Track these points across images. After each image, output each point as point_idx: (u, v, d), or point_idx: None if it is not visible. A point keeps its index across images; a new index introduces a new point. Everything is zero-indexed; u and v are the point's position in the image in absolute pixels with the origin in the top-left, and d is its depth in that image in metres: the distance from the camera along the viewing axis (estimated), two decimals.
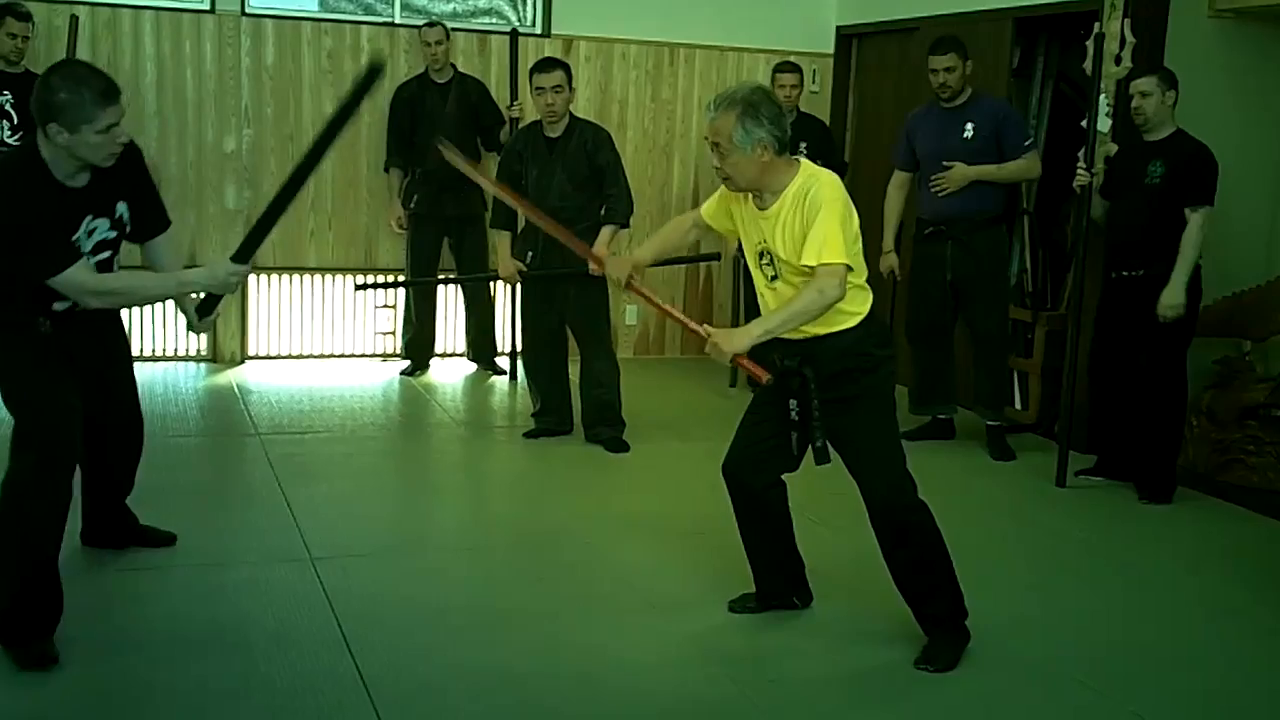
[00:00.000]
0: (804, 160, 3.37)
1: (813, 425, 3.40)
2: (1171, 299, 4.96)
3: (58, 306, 3.37)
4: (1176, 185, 4.98)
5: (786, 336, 3.36)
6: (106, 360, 3.72)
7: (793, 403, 3.43)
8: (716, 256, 6.21)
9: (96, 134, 3.18)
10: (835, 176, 3.36)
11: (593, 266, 3.84)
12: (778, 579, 3.80)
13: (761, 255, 3.41)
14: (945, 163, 5.64)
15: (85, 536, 4.01)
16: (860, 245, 3.33)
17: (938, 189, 5.65)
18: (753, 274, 3.51)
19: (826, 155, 6.79)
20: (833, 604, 3.91)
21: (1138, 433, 5.25)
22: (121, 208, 3.45)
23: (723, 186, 3.47)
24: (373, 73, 3.36)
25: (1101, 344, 5.33)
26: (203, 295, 3.59)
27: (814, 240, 3.21)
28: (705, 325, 3.43)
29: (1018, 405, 6.35)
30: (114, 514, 4.06)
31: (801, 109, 6.84)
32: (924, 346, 5.95)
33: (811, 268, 3.23)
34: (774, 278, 3.40)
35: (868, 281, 3.42)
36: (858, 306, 3.38)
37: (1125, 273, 5.16)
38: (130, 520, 4.11)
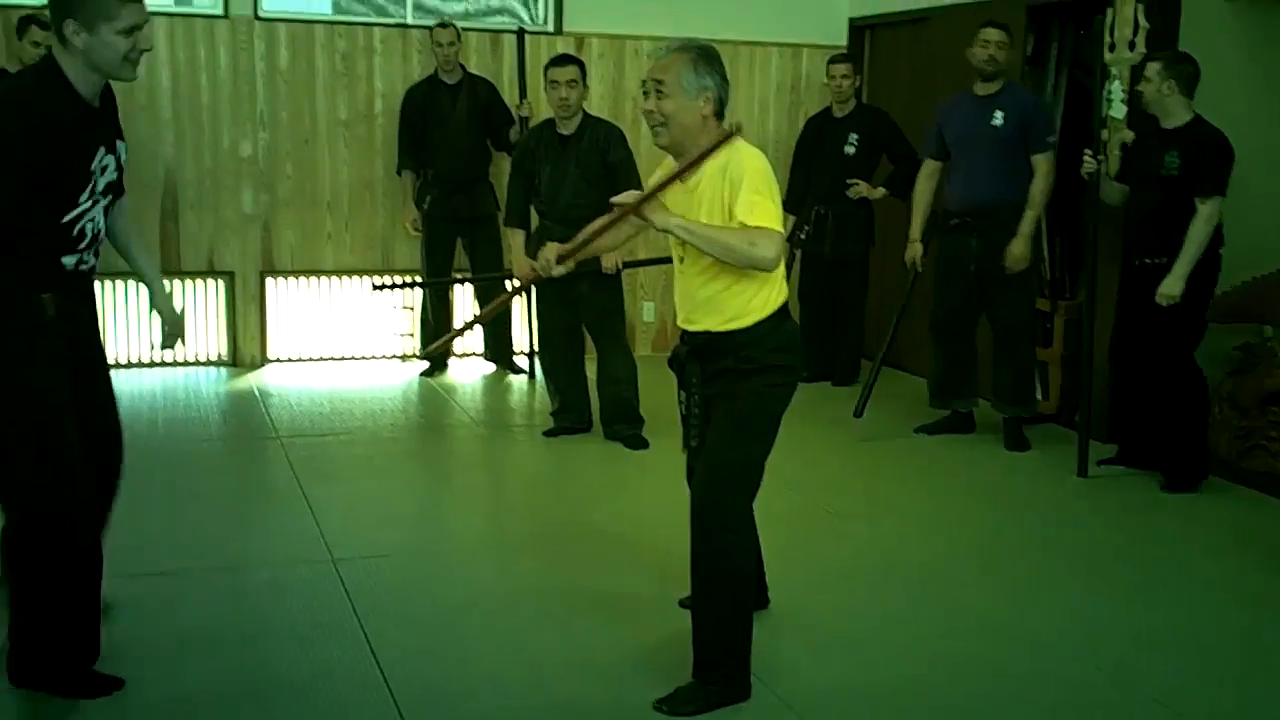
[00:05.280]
0: (738, 137, 3.14)
1: (691, 423, 3.29)
2: (1168, 288, 4.94)
3: (67, 261, 2.99)
4: (1191, 175, 4.96)
5: (685, 328, 3.24)
6: (89, 363, 3.21)
7: (681, 395, 3.34)
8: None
9: (116, 34, 2.88)
10: (760, 154, 3.15)
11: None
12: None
13: None
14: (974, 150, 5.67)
15: None
16: (783, 233, 3.11)
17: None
18: (672, 247, 3.28)
19: (891, 147, 6.82)
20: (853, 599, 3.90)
21: (1159, 422, 5.22)
22: (121, 148, 3.11)
23: (658, 169, 3.31)
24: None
25: (1122, 332, 5.31)
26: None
27: (746, 201, 3.02)
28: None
29: (1039, 396, 6.31)
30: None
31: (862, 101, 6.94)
32: (946, 339, 5.92)
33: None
34: (684, 257, 3.21)
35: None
36: (760, 305, 3.16)
37: (1147, 260, 5.13)
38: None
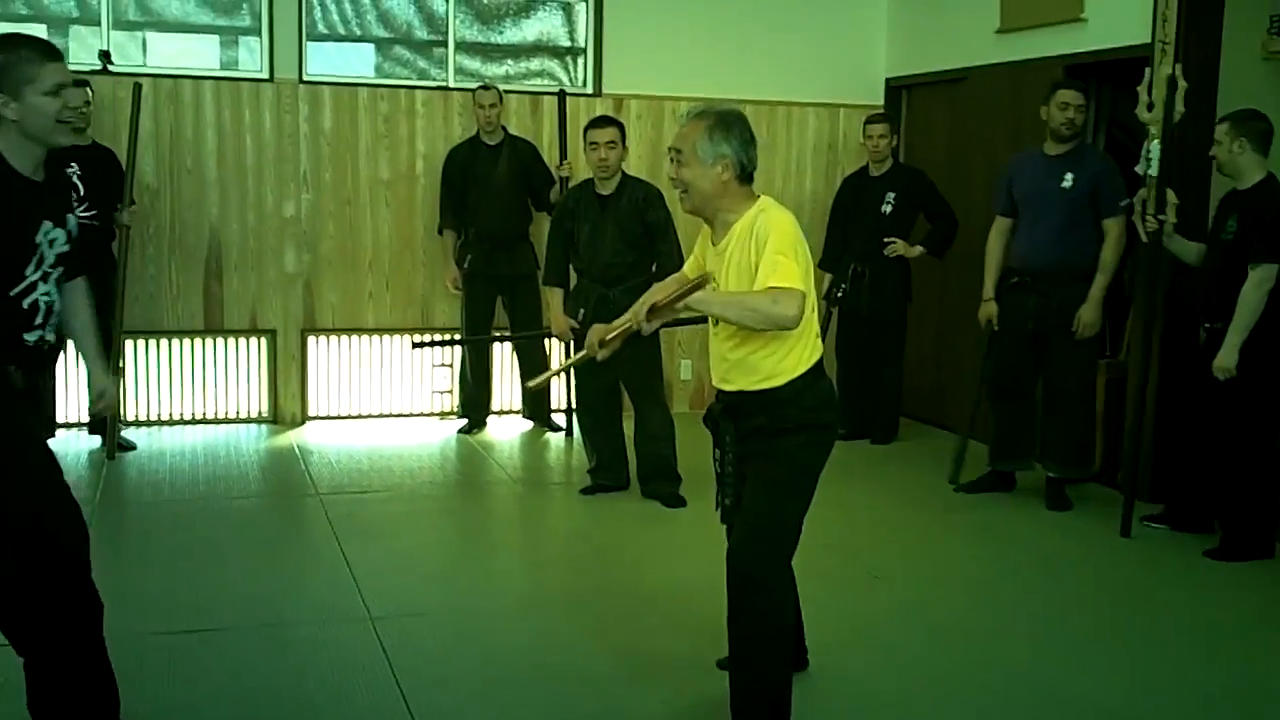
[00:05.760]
0: (765, 197, 3.20)
1: (724, 481, 3.28)
2: (1222, 360, 4.83)
3: (29, 338, 2.96)
4: (1246, 239, 4.88)
5: (719, 387, 3.27)
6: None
7: (716, 453, 3.33)
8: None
9: (43, 95, 2.85)
10: (789, 214, 3.15)
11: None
12: None
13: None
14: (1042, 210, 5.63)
15: None
16: (813, 296, 3.12)
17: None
18: None
19: (928, 206, 6.84)
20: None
21: (1222, 490, 5.09)
22: (71, 222, 3.08)
23: (698, 241, 3.37)
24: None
25: (1174, 395, 5.23)
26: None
27: (768, 263, 3.02)
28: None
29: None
30: None
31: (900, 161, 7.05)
32: (1002, 399, 5.87)
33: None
34: (718, 320, 3.24)
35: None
36: (792, 364, 3.16)
37: (1206, 325, 5.08)
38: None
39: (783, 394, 3.16)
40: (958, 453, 6.04)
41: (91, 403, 3.33)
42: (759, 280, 3.04)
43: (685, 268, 3.50)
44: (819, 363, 3.23)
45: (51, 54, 2.92)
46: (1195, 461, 5.21)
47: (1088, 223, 5.58)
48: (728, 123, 3.14)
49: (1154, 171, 5.45)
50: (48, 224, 2.97)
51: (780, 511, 3.18)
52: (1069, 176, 5.57)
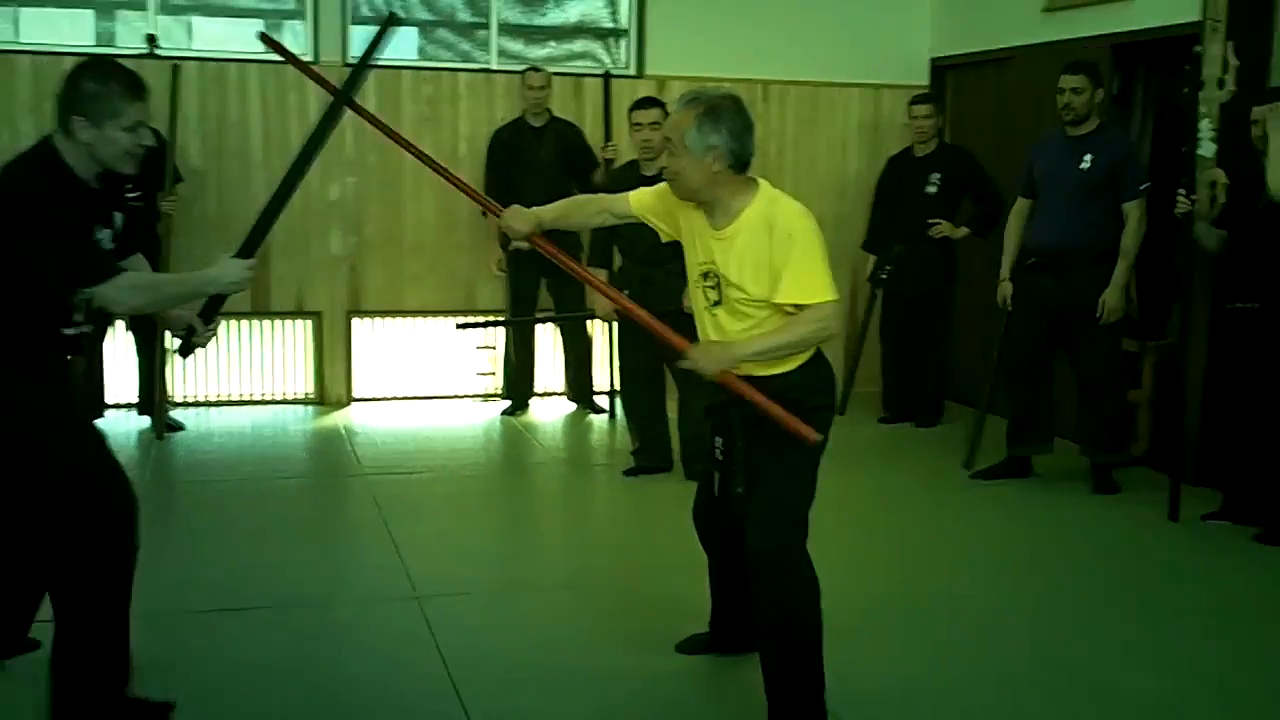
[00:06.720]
0: (764, 183, 3.12)
1: (734, 469, 3.23)
2: None
3: (68, 332, 3.08)
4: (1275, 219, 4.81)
5: None
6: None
7: (718, 441, 3.29)
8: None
9: (121, 130, 3.00)
10: (800, 205, 3.11)
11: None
12: (739, 621, 3.54)
13: (706, 275, 3.17)
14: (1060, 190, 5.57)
15: None
16: (838, 298, 3.10)
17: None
18: (691, 292, 3.28)
19: (974, 186, 6.79)
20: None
21: (1266, 472, 5.02)
22: (119, 217, 3.20)
23: (690, 210, 3.23)
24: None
25: (1219, 377, 5.18)
26: (204, 302, 3.28)
27: (798, 277, 3.00)
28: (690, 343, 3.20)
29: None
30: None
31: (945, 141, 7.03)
32: (1019, 382, 5.82)
33: (799, 306, 3.04)
34: (717, 302, 3.16)
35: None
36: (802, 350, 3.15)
37: (1240, 305, 5.02)
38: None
39: (793, 378, 3.14)
40: (973, 436, 6.01)
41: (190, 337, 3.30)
42: (788, 291, 3.01)
43: (635, 202, 3.39)
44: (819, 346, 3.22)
45: (139, 93, 3.05)
46: (1248, 448, 5.13)
47: (1105, 206, 5.51)
48: (718, 112, 3.04)
49: (1204, 151, 5.38)
50: (99, 226, 3.09)
51: (797, 493, 3.17)
52: (1088, 158, 5.50)
